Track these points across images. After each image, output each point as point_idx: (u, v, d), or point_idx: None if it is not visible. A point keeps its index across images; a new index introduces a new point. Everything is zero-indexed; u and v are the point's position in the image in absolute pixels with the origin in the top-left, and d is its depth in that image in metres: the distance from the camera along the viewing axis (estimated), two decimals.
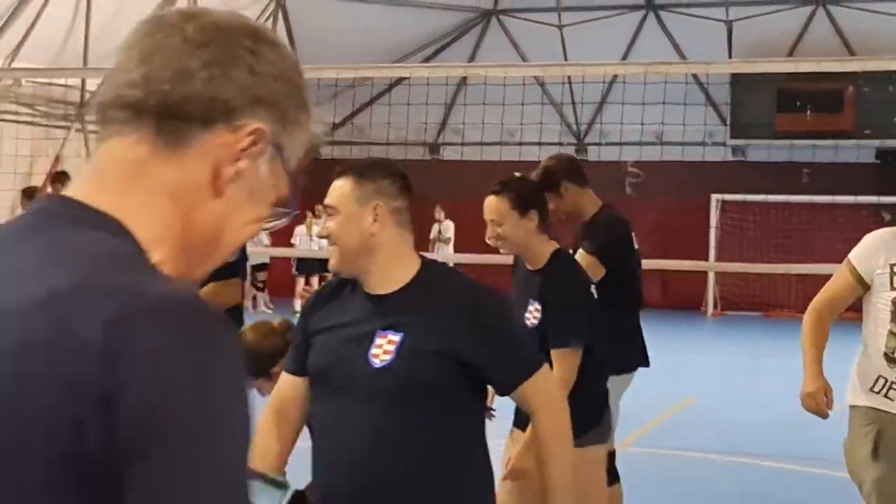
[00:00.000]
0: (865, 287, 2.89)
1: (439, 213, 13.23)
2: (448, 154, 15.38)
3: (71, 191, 0.70)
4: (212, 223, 0.71)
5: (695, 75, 13.06)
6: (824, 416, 2.88)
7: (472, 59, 14.99)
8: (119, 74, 0.70)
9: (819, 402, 2.85)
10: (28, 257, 0.63)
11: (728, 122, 14.51)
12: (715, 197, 14.05)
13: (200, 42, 0.69)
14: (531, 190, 2.96)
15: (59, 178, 8.79)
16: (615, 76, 12.16)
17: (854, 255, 2.93)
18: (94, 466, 0.56)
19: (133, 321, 0.57)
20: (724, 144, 14.48)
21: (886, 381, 2.85)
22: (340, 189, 1.88)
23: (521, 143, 12.88)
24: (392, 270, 1.85)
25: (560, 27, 14.44)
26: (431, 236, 13.06)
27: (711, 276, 14.05)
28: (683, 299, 13.76)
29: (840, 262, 3.09)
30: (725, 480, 5.53)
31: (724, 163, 14.23)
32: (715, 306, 14.31)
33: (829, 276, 3.09)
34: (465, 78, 13.07)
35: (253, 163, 0.70)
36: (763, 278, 13.18)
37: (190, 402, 0.57)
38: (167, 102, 0.68)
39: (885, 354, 2.84)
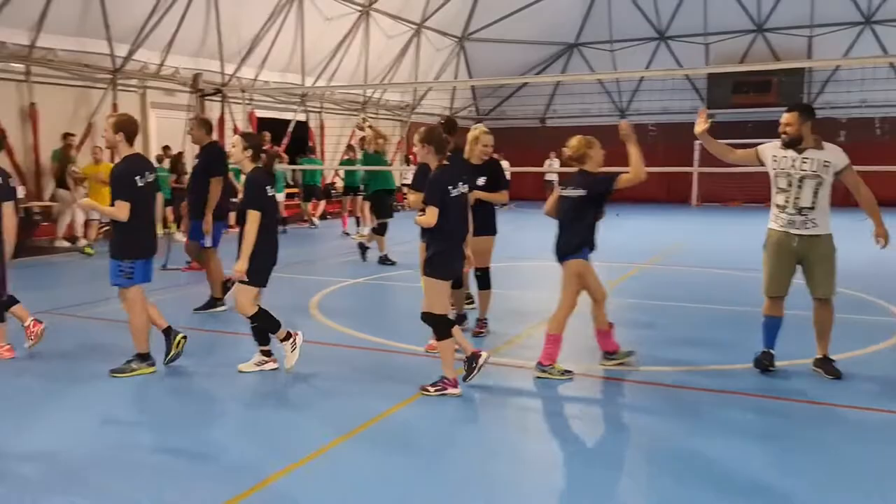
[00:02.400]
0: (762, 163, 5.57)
1: (550, 154, 24.75)
2: (549, 123, 27.14)
3: None
4: None
5: (687, 76, 24.33)
6: None
7: (563, 71, 26.62)
8: None
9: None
10: None
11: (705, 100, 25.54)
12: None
13: None
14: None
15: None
16: (642, 77, 23.86)
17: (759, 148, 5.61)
18: None
19: None
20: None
21: (775, 214, 5.50)
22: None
23: (590, 115, 24.66)
24: None
25: (612, 52, 25.85)
26: (545, 166, 24.60)
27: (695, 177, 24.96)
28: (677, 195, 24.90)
29: None
30: (697, 281, 12.54)
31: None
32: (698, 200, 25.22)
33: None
34: (559, 83, 25.01)
35: None
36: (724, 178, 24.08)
37: None
38: None
39: (775, 203, 5.49)
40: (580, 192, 5.49)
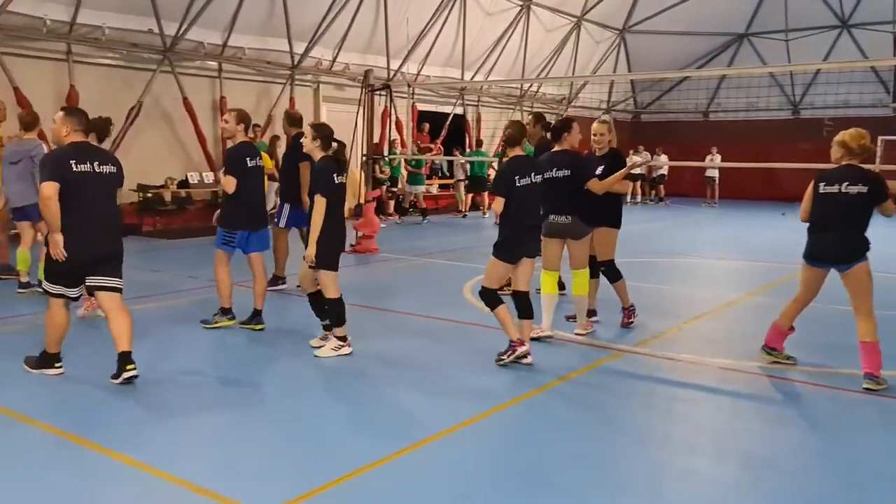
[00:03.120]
0: None
1: (712, 149, 23.66)
2: (712, 117, 26.03)
3: None
4: None
5: (872, 67, 22.43)
6: None
7: (731, 63, 25.40)
8: None
9: None
10: None
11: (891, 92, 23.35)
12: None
13: None
14: None
15: None
16: (818, 70, 22.31)
17: None
18: None
19: None
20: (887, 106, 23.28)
21: None
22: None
23: (757, 109, 23.39)
24: None
25: (787, 41, 24.27)
26: (706, 161, 23.63)
27: None
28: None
29: None
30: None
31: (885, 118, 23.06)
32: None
33: None
34: (724, 76, 23.94)
35: None
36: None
37: None
38: None
39: None
40: (861, 189, 5.18)
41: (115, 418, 4.37)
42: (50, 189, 4.70)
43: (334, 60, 16.80)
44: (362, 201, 11.77)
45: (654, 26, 23.60)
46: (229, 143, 6.73)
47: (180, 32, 13.62)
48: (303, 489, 3.49)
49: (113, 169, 5.02)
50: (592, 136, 6.62)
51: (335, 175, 5.65)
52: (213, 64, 14.77)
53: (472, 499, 3.46)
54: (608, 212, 6.52)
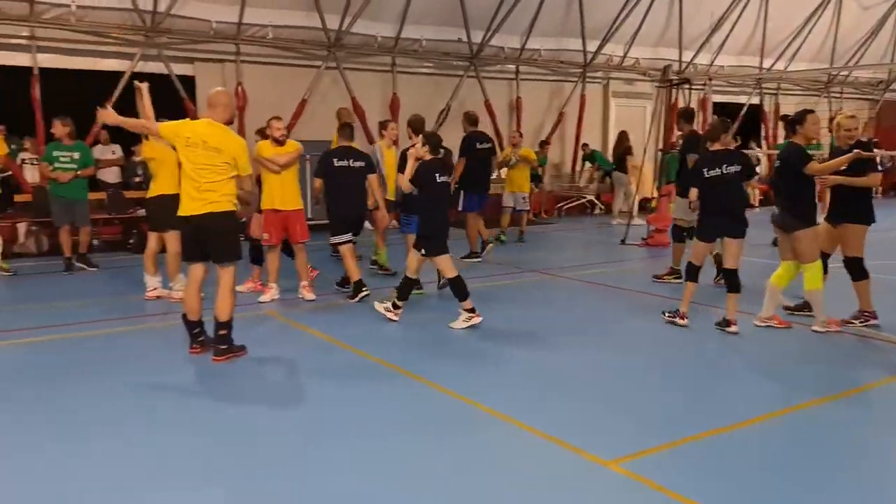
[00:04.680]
0: None
1: None
2: None
3: None
4: None
5: None
6: None
7: None
8: None
9: None
10: None
11: None
12: None
13: None
14: None
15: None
16: None
17: None
18: None
19: None
20: None
21: None
22: None
23: None
24: None
25: None
26: None
27: None
28: None
29: None
30: None
31: None
32: None
33: None
34: None
35: None
36: None
37: None
38: None
39: None
40: None
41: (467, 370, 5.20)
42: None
43: (625, 56, 16.97)
44: (652, 196, 11.90)
45: None
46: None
47: (485, 39, 14.84)
48: (637, 447, 3.97)
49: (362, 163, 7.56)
50: (845, 132, 6.58)
51: (437, 174, 6.76)
52: (511, 67, 15.82)
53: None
54: (849, 207, 6.49)
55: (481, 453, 3.99)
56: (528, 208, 12.19)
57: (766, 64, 18.93)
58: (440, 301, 7.70)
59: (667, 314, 6.73)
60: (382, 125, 9.24)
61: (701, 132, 14.41)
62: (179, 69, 12.35)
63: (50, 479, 3.67)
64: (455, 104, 14.91)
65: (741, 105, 19.40)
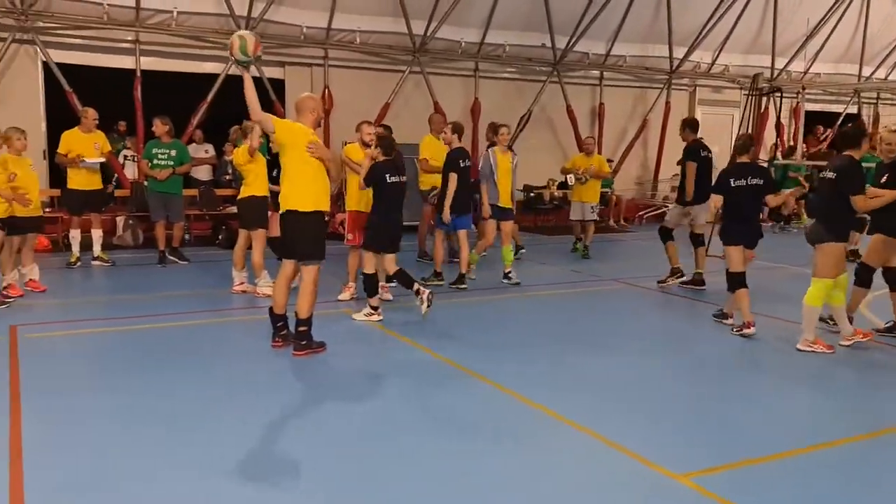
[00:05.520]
0: None
1: None
2: None
3: None
4: None
5: None
6: None
7: None
8: None
9: None
10: None
11: None
12: None
13: None
14: None
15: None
16: None
17: None
18: None
19: None
20: None
21: None
22: None
23: None
24: None
25: None
26: None
27: None
28: None
29: None
30: None
31: None
32: None
33: None
34: None
35: None
36: None
37: None
38: None
39: None
40: None
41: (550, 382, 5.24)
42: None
43: (713, 63, 16.55)
44: None
45: None
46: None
47: (569, 45, 14.76)
48: (710, 463, 3.92)
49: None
50: (886, 146, 6.43)
51: (388, 175, 6.88)
52: (595, 73, 15.67)
53: None
54: (889, 220, 6.42)
55: (552, 458, 4.03)
56: (595, 218, 11.25)
57: (866, 72, 18.08)
58: (518, 302, 7.73)
59: (734, 328, 6.70)
60: (493, 129, 8.79)
61: (785, 144, 13.86)
62: (270, 72, 12.81)
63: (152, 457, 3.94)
64: (536, 109, 14.89)
65: (837, 114, 18.58)
